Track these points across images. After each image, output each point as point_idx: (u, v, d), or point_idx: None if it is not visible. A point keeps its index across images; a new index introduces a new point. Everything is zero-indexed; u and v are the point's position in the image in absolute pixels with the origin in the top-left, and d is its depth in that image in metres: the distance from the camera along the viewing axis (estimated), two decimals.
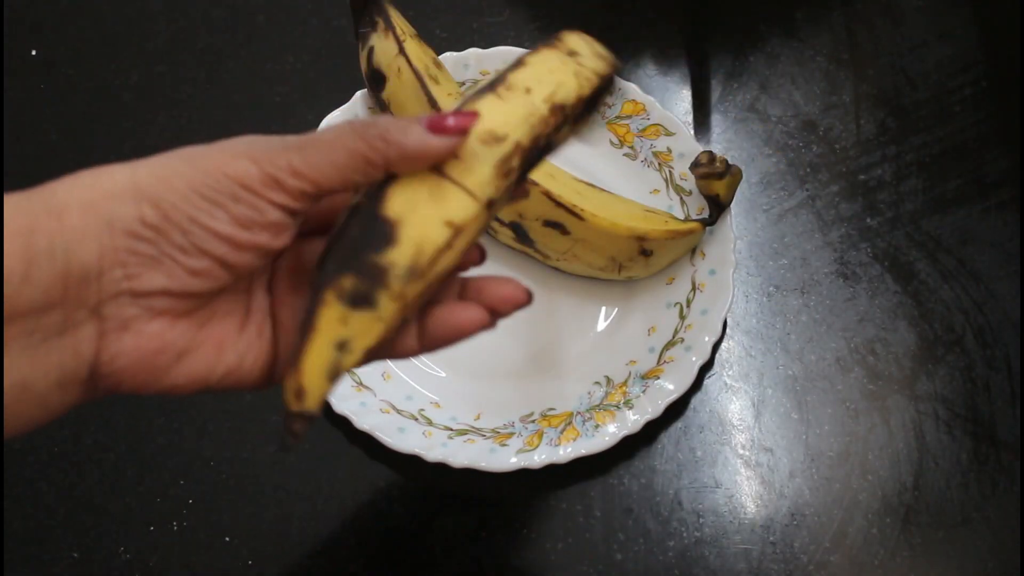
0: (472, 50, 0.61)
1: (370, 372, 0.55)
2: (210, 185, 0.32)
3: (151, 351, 0.33)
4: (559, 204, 0.53)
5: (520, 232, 0.56)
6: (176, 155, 0.33)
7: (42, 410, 0.32)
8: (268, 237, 0.33)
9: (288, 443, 0.34)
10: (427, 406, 0.54)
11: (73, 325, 0.32)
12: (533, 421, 0.54)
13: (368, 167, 0.34)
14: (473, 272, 0.38)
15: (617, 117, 0.60)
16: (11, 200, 0.31)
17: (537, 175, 0.54)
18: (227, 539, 0.52)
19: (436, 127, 0.34)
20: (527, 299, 0.36)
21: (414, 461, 0.52)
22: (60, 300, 0.31)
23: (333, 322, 0.34)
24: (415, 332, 0.36)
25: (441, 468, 0.51)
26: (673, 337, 0.55)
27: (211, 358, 0.34)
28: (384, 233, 0.34)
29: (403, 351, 0.37)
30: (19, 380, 0.31)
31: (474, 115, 0.35)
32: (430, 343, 0.36)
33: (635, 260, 0.55)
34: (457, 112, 0.35)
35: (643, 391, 0.54)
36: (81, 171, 0.33)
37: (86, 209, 0.31)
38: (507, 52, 0.60)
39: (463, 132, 0.34)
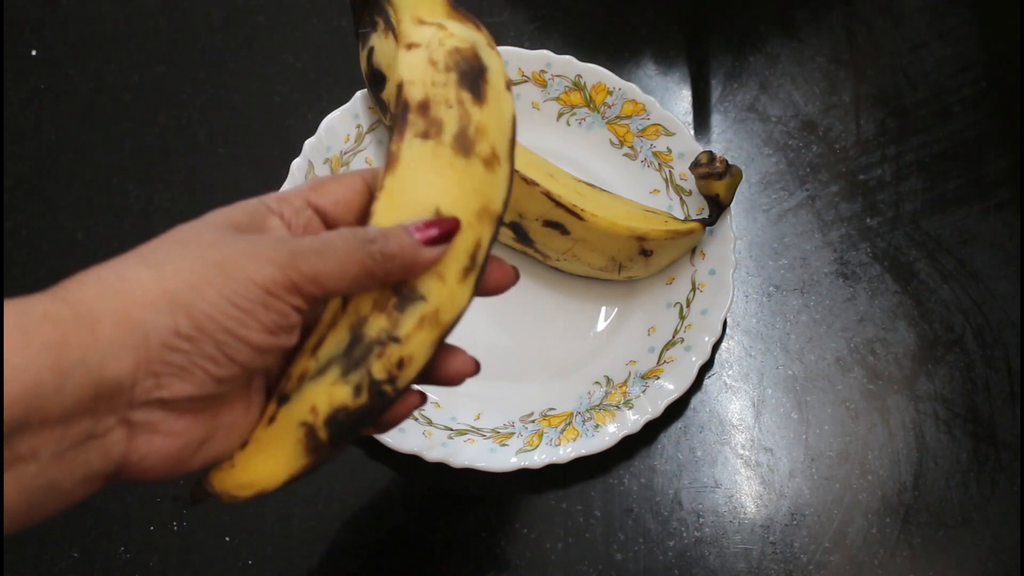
0: None
1: None
2: (241, 294, 0.33)
3: (175, 451, 0.34)
4: (559, 204, 0.53)
5: (520, 232, 0.56)
6: (201, 259, 0.33)
7: (64, 502, 0.33)
8: (286, 338, 0.35)
9: (189, 503, 0.37)
10: (427, 406, 0.54)
11: (102, 431, 0.32)
12: (533, 421, 0.54)
13: (371, 280, 0.35)
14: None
15: (617, 117, 0.60)
16: (37, 306, 0.31)
17: (537, 175, 0.54)
18: (227, 539, 0.52)
19: (427, 240, 0.36)
20: (476, 368, 0.39)
21: (414, 461, 0.52)
22: (92, 408, 0.31)
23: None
24: None
25: (441, 468, 0.51)
26: (673, 337, 0.55)
27: (225, 442, 0.36)
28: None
29: (369, 432, 0.40)
30: (47, 482, 0.31)
31: (455, 221, 0.36)
32: (384, 426, 0.39)
33: (635, 260, 0.55)
34: (438, 222, 0.36)
35: (643, 391, 0.54)
36: (102, 270, 0.33)
37: (120, 321, 0.31)
38: (507, 52, 0.60)
39: (451, 236, 0.36)
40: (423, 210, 0.36)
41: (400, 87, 0.37)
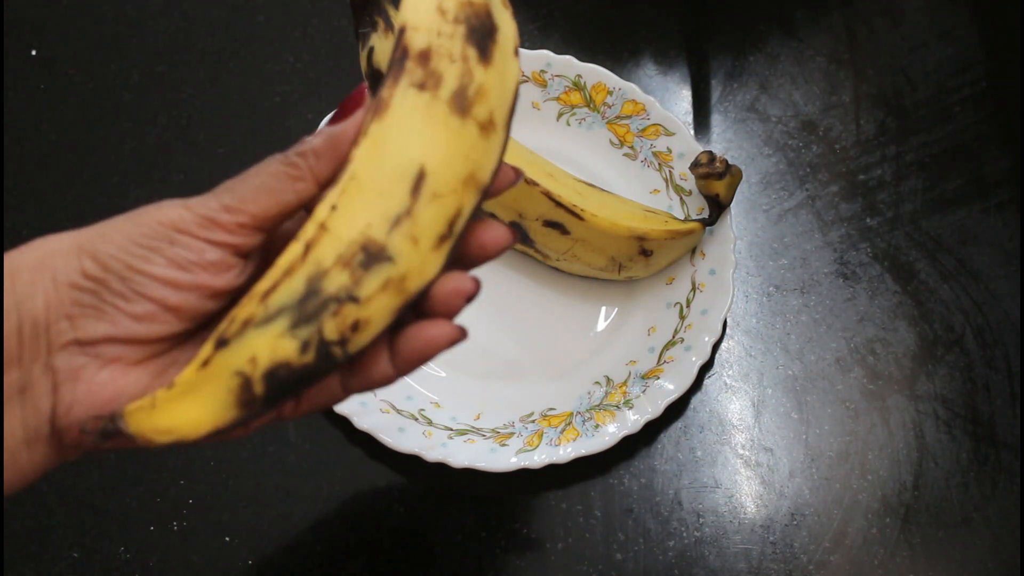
0: None
1: None
2: (145, 233, 0.34)
3: (105, 399, 0.34)
4: (559, 204, 0.53)
5: (520, 232, 0.56)
6: (118, 216, 0.35)
7: (13, 471, 0.34)
8: (208, 276, 0.34)
9: (98, 438, 0.34)
10: (427, 406, 0.54)
11: (31, 383, 0.33)
12: (533, 421, 0.54)
13: (296, 182, 0.35)
14: None
15: (617, 117, 0.60)
16: None
17: (537, 175, 0.54)
18: (227, 539, 0.52)
19: (336, 117, 0.35)
20: (475, 287, 0.35)
21: (414, 461, 0.52)
22: (17, 356, 0.33)
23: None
24: (387, 356, 0.36)
25: (441, 468, 0.51)
26: (673, 337, 0.55)
27: None
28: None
29: (379, 378, 0.36)
30: None
31: (362, 87, 0.35)
32: (404, 365, 0.36)
33: (635, 260, 0.55)
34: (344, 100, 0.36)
35: (643, 391, 0.54)
36: (38, 239, 0.35)
37: (34, 268, 0.33)
38: None
39: (358, 104, 0.35)
40: (406, 164, 0.33)
41: (402, 31, 0.34)
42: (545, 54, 0.60)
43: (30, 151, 0.62)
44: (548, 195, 0.53)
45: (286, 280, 0.33)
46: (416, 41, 0.34)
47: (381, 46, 0.57)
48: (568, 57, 0.60)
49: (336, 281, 0.33)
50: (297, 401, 0.37)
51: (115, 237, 0.34)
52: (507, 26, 0.36)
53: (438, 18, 0.34)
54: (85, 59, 0.65)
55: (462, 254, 0.36)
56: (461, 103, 0.34)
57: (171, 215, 0.34)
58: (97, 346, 0.34)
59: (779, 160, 0.62)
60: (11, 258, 0.34)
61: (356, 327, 0.33)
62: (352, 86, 0.60)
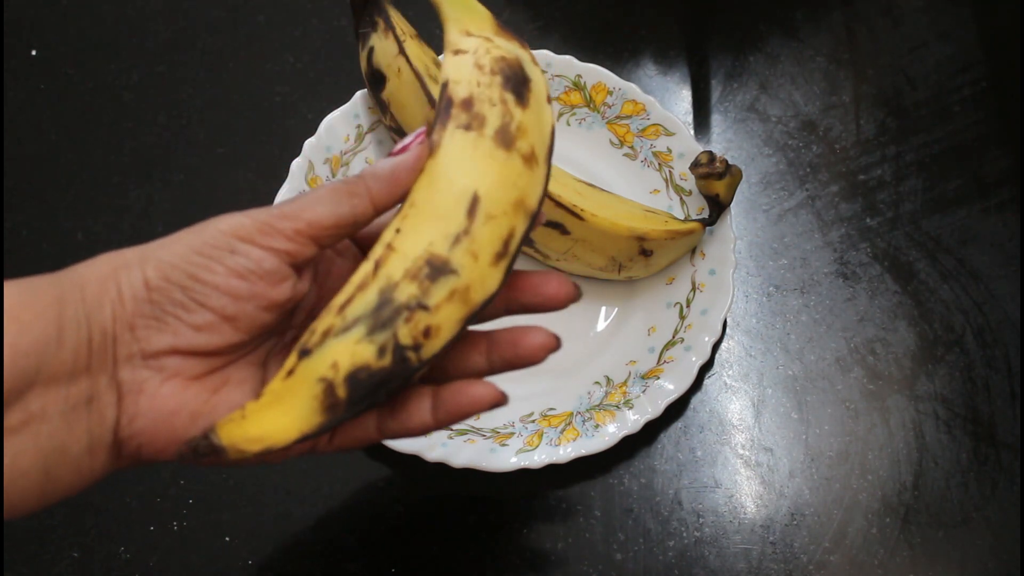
0: None
1: None
2: (207, 242, 0.35)
3: (166, 412, 0.35)
4: (559, 204, 0.53)
5: None
6: (185, 229, 0.36)
7: (76, 475, 0.35)
8: (264, 286, 0.36)
9: (192, 458, 0.35)
10: None
11: (98, 393, 0.34)
12: (533, 421, 0.54)
13: (352, 197, 0.37)
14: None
15: (617, 117, 0.60)
16: (44, 278, 0.34)
17: None
18: (227, 539, 0.52)
19: (397, 151, 0.38)
20: (557, 344, 0.38)
21: (414, 461, 0.52)
22: (86, 366, 0.34)
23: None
24: (429, 404, 0.38)
25: (441, 468, 0.51)
26: (673, 337, 0.55)
27: None
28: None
29: (416, 424, 0.38)
30: (59, 444, 0.33)
31: (423, 131, 0.38)
32: (444, 416, 0.38)
33: (635, 260, 0.55)
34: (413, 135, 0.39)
35: (643, 391, 0.54)
36: (105, 254, 0.36)
37: (101, 281, 0.34)
38: None
39: (420, 142, 0.38)
40: (461, 190, 0.36)
41: (445, 86, 0.38)
42: (545, 54, 0.60)
43: (30, 151, 0.62)
44: (548, 195, 0.53)
45: (360, 294, 0.36)
46: (459, 92, 0.38)
47: (381, 46, 0.57)
48: (568, 57, 0.60)
49: (406, 291, 0.36)
50: (332, 435, 0.38)
51: (177, 247, 0.35)
52: (539, 78, 0.39)
53: (476, 72, 0.38)
54: (85, 59, 0.65)
55: (528, 304, 0.39)
56: (505, 138, 0.37)
57: (231, 223, 0.35)
58: (160, 358, 0.35)
59: (779, 160, 0.62)
60: (79, 271, 0.35)
61: (428, 333, 0.36)
62: (352, 86, 0.60)
